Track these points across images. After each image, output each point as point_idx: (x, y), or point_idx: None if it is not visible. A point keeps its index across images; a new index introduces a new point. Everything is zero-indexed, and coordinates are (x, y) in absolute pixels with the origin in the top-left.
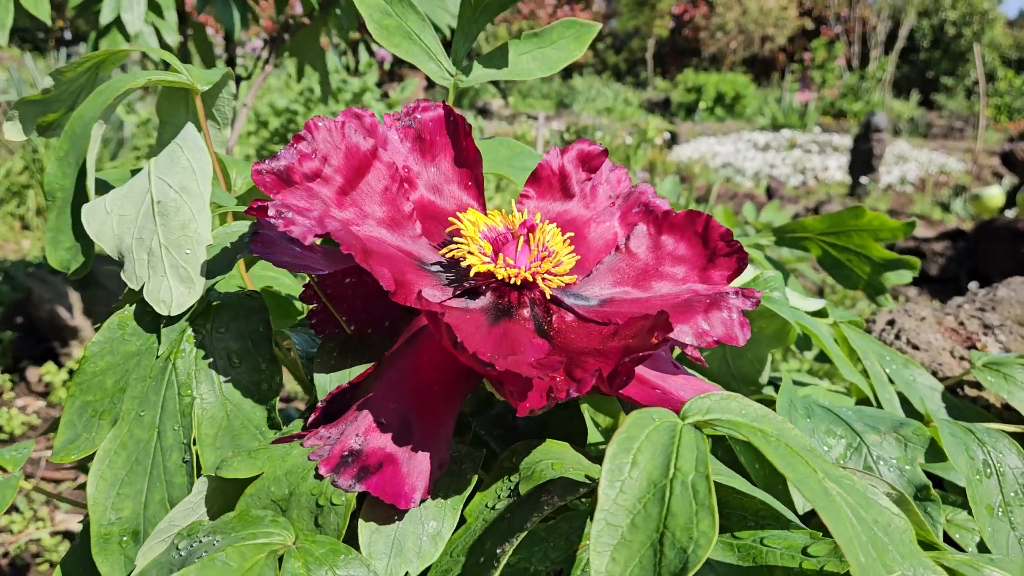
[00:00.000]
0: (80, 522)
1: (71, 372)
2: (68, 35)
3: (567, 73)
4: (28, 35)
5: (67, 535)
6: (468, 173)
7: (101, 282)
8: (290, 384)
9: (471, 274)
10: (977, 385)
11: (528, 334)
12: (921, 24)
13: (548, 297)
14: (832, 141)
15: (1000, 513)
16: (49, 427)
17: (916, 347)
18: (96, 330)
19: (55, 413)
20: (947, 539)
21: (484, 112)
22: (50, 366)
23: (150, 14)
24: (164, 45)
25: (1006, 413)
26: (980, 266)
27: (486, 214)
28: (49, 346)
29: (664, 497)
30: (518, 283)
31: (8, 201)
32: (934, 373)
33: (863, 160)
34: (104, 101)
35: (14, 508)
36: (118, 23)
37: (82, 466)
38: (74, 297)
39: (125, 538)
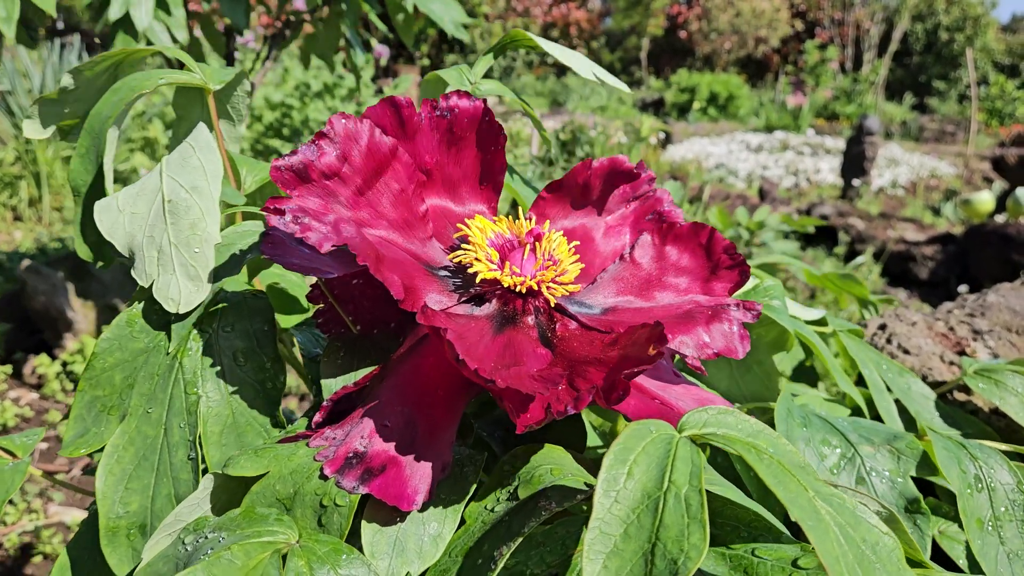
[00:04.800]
0: (87, 508)
1: (64, 364)
2: (60, 25)
3: (562, 71)
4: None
5: (61, 527)
6: (489, 178)
7: (95, 275)
8: (288, 378)
9: (477, 280)
10: (965, 389)
11: (532, 343)
12: (914, 28)
13: (552, 305)
14: (825, 143)
15: (990, 528)
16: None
17: (907, 352)
18: (93, 323)
19: (48, 405)
20: (938, 550)
21: None
22: (43, 358)
23: (158, 11)
24: (174, 41)
25: (994, 417)
26: (970, 270)
27: (496, 217)
28: (43, 338)
29: (657, 509)
30: (523, 291)
31: (0, 192)
32: (924, 377)
33: (855, 163)
34: (120, 100)
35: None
36: (126, 19)
37: (76, 459)
38: (69, 289)
39: (132, 531)
